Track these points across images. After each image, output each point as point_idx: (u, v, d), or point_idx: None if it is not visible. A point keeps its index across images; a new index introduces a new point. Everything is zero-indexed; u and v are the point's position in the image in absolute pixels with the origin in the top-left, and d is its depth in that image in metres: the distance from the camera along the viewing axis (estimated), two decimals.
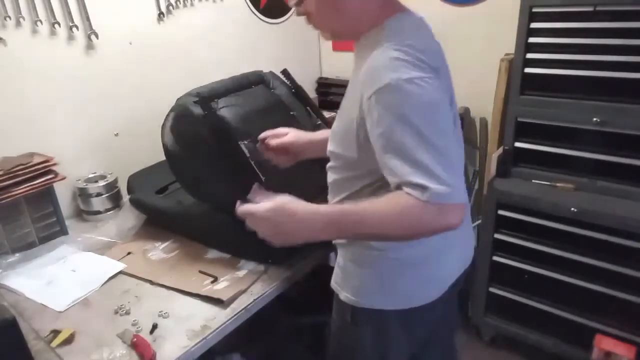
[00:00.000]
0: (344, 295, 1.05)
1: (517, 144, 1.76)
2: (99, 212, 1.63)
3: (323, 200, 1.09)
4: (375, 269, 1.01)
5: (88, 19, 1.58)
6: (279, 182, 1.24)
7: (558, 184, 1.70)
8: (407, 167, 0.77)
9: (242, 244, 1.31)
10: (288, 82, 1.55)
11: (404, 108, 0.77)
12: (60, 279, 1.28)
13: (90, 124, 1.67)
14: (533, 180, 1.75)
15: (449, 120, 0.85)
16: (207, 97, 1.28)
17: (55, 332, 1.07)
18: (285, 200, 0.88)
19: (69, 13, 1.53)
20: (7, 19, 1.40)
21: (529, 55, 1.63)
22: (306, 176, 1.24)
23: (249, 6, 2.13)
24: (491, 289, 1.91)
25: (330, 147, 1.01)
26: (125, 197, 1.68)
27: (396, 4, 0.95)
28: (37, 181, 1.39)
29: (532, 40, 1.61)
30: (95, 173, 1.68)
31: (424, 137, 0.76)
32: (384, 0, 0.92)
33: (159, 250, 1.40)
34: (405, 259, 0.97)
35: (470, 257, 1.13)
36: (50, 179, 1.42)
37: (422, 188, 0.75)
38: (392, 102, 0.78)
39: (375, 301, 1.01)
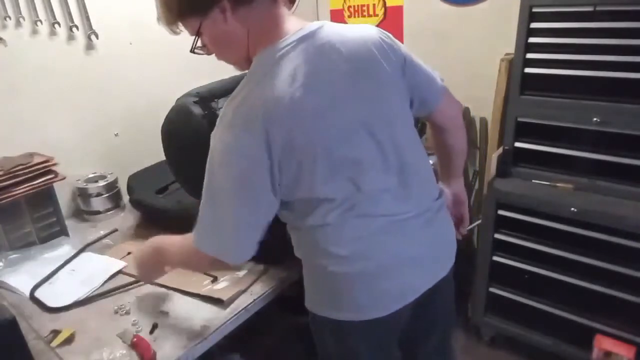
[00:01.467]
0: (306, 302, 1.06)
1: (517, 144, 1.76)
2: (99, 212, 1.63)
3: None
4: (320, 281, 1.01)
5: (88, 19, 1.58)
6: None
7: (558, 184, 1.70)
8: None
9: None
10: None
11: (208, 164, 0.90)
12: (60, 279, 1.29)
13: (90, 124, 1.67)
14: (533, 180, 1.75)
15: (240, 182, 0.87)
16: (207, 97, 1.28)
17: (55, 332, 1.07)
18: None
19: (69, 13, 1.53)
20: (7, 19, 1.40)
21: (529, 55, 1.63)
22: None
23: None
24: (491, 289, 1.91)
25: None
26: (125, 197, 1.68)
27: (269, 31, 0.87)
28: (37, 181, 1.39)
29: (532, 40, 1.61)
30: (95, 173, 1.68)
31: (206, 195, 0.91)
32: (251, 31, 0.87)
33: None
34: (348, 273, 0.95)
35: (445, 267, 1.08)
36: (50, 179, 1.42)
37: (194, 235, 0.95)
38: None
39: (327, 312, 1.01)
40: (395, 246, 0.97)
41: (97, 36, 1.60)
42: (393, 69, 0.95)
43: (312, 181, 0.89)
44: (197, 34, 0.88)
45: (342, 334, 1.03)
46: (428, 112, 1.10)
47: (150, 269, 1.13)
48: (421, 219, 1.00)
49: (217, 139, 0.88)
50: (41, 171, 1.40)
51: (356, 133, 0.91)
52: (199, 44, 0.91)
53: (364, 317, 0.98)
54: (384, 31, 0.97)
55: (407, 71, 0.98)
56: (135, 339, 1.02)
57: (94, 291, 1.23)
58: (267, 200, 0.90)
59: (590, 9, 1.49)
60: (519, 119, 1.72)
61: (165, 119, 1.34)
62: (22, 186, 1.36)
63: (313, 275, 1.02)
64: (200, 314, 1.12)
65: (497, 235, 1.82)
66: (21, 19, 1.43)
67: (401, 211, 0.97)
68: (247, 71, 0.91)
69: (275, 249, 1.28)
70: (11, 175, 1.34)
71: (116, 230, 1.53)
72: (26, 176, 1.36)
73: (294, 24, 0.90)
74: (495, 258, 1.85)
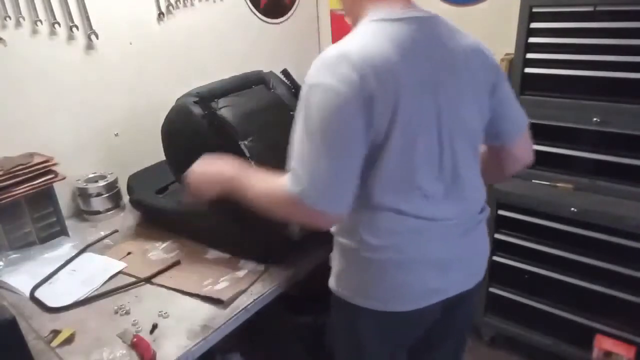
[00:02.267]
0: (330, 279, 1.06)
1: None
2: (99, 212, 1.63)
3: None
4: (350, 263, 1.01)
5: (88, 19, 1.57)
6: None
7: (558, 184, 1.70)
8: (294, 157, 0.87)
9: (242, 244, 1.31)
10: (288, 82, 1.55)
11: (307, 109, 0.86)
12: (60, 279, 1.29)
13: (90, 124, 1.67)
14: (533, 180, 1.75)
15: (345, 135, 0.85)
16: (207, 97, 1.28)
17: (55, 332, 1.07)
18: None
19: (69, 13, 1.53)
20: (7, 19, 1.40)
21: (529, 55, 1.63)
22: None
23: (249, 6, 2.13)
24: (491, 289, 1.91)
25: None
26: (125, 197, 1.68)
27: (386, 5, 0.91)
28: (37, 181, 1.39)
29: (532, 40, 1.61)
30: (95, 173, 1.68)
31: (312, 141, 0.84)
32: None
33: (159, 250, 1.40)
34: (378, 260, 0.96)
35: (472, 280, 1.08)
36: (50, 179, 1.42)
37: (291, 180, 0.86)
38: (303, 98, 0.88)
39: (349, 294, 1.02)
40: (428, 247, 0.96)
41: (97, 36, 1.60)
42: (484, 84, 0.96)
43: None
44: None
45: (358, 319, 1.03)
46: (498, 144, 1.07)
47: (208, 185, 1.07)
48: (460, 228, 1.00)
49: (316, 79, 0.86)
50: (41, 171, 1.40)
51: (429, 125, 0.90)
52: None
53: (384, 307, 0.98)
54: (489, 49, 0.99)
55: (497, 96, 0.99)
56: (135, 339, 1.02)
57: (94, 291, 1.23)
58: (360, 152, 0.87)
59: (590, 9, 1.49)
60: None
61: (165, 119, 1.34)
62: (22, 186, 1.36)
63: (343, 255, 1.02)
64: (200, 314, 1.12)
65: (497, 235, 1.82)
66: (21, 19, 1.43)
67: (442, 217, 0.97)
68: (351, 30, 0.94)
69: (275, 249, 1.28)
70: (11, 175, 1.34)
71: (116, 231, 1.53)
72: (26, 176, 1.36)
73: (407, 4, 0.93)
74: (495, 258, 1.85)
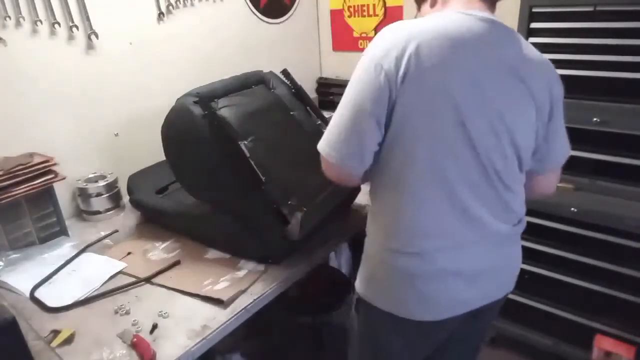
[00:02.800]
0: (356, 281, 1.07)
1: None
2: (99, 212, 1.63)
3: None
4: (376, 268, 1.01)
5: (88, 19, 1.57)
6: (279, 182, 1.25)
7: (558, 184, 1.70)
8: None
9: (242, 244, 1.31)
10: (288, 82, 1.55)
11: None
12: (60, 279, 1.28)
13: (90, 124, 1.67)
14: None
15: (364, 101, 0.88)
16: (207, 97, 1.28)
17: (55, 332, 1.07)
18: None
19: (69, 13, 1.53)
20: (7, 19, 1.40)
21: None
22: (307, 175, 1.24)
23: (249, 6, 2.13)
24: None
25: None
26: (125, 197, 1.68)
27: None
28: (37, 181, 1.39)
29: (532, 40, 1.61)
30: (95, 173, 1.68)
31: (342, 102, 0.92)
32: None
33: (159, 250, 1.40)
34: (402, 268, 0.95)
35: (501, 291, 1.06)
36: (50, 179, 1.42)
37: (321, 140, 0.96)
38: None
39: (373, 298, 1.02)
40: (457, 257, 0.95)
41: (97, 36, 1.60)
42: (543, 104, 0.93)
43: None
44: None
45: (381, 324, 1.03)
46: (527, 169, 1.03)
47: None
48: (493, 239, 0.98)
49: (367, 48, 0.92)
50: (41, 171, 1.40)
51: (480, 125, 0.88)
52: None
53: (408, 315, 0.98)
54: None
55: (552, 121, 0.97)
56: (135, 339, 1.02)
57: (94, 291, 1.22)
58: (376, 112, 0.89)
59: (590, 9, 1.49)
60: None
61: (165, 119, 1.34)
62: (22, 186, 1.36)
63: (370, 260, 1.03)
64: (200, 314, 1.12)
65: None
66: (21, 19, 1.43)
67: (482, 223, 0.95)
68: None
69: (275, 249, 1.28)
70: (11, 175, 1.34)
71: (116, 231, 1.53)
72: (26, 176, 1.36)
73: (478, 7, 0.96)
74: None
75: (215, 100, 1.31)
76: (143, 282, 1.25)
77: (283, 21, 2.31)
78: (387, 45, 0.86)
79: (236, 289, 1.18)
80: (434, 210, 0.91)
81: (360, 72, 0.89)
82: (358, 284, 1.07)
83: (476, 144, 0.88)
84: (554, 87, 0.96)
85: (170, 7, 1.82)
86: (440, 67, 0.84)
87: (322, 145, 0.95)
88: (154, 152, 1.53)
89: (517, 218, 1.04)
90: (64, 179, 1.45)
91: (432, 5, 0.99)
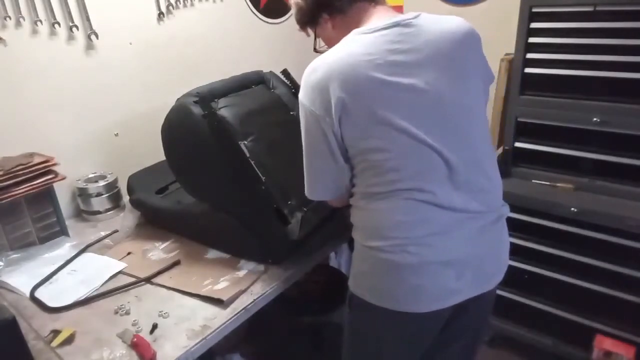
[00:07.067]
0: (350, 280, 1.08)
1: (517, 144, 1.76)
2: (99, 212, 1.63)
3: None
4: (367, 264, 1.02)
5: (88, 19, 1.58)
6: (279, 182, 1.25)
7: (558, 184, 1.70)
8: None
9: (242, 244, 1.31)
10: (288, 82, 1.55)
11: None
12: (60, 279, 1.28)
13: (90, 124, 1.67)
14: (533, 180, 1.75)
15: (318, 146, 0.99)
16: (207, 97, 1.28)
17: (55, 332, 1.07)
18: None
19: (69, 13, 1.53)
20: (7, 19, 1.40)
21: (529, 55, 1.63)
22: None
23: (249, 6, 2.13)
24: None
25: None
26: (125, 197, 1.68)
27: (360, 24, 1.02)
28: (37, 181, 1.39)
29: (532, 40, 1.61)
30: (95, 173, 1.68)
31: (303, 150, 1.04)
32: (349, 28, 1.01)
33: (159, 250, 1.40)
34: (394, 261, 0.96)
35: (491, 281, 1.06)
36: (50, 179, 1.42)
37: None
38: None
39: (366, 293, 1.03)
40: (441, 245, 0.96)
41: (97, 36, 1.60)
42: (479, 61, 1.04)
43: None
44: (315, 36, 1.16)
45: (376, 318, 1.04)
46: None
47: None
48: (475, 224, 0.98)
49: (300, 91, 1.00)
50: (41, 171, 1.40)
51: (426, 110, 0.95)
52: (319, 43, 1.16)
53: (401, 308, 0.98)
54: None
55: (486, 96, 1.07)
56: (135, 339, 1.02)
57: (94, 291, 1.22)
58: (337, 153, 1.01)
59: (590, 9, 1.49)
60: (519, 119, 1.72)
61: (165, 119, 1.34)
62: (22, 186, 1.36)
63: (362, 256, 1.04)
64: (200, 314, 1.12)
65: None
66: (21, 19, 1.43)
67: (456, 208, 0.96)
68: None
69: (275, 249, 1.28)
70: (11, 175, 1.33)
71: (116, 231, 1.53)
72: (26, 176, 1.36)
73: (386, 18, 1.00)
74: None
75: (215, 100, 1.31)
76: (143, 282, 1.25)
77: (283, 21, 2.31)
78: (312, 95, 0.96)
79: (236, 289, 1.18)
80: (405, 205, 0.95)
81: (304, 121, 1.00)
82: (350, 280, 1.08)
83: (430, 142, 0.94)
84: (478, 41, 1.09)
85: (170, 7, 1.82)
86: (365, 97, 0.93)
87: (308, 192, 1.08)
88: (154, 152, 1.53)
89: (498, 201, 1.05)
90: (64, 179, 1.45)
91: (334, 27, 1.08)
